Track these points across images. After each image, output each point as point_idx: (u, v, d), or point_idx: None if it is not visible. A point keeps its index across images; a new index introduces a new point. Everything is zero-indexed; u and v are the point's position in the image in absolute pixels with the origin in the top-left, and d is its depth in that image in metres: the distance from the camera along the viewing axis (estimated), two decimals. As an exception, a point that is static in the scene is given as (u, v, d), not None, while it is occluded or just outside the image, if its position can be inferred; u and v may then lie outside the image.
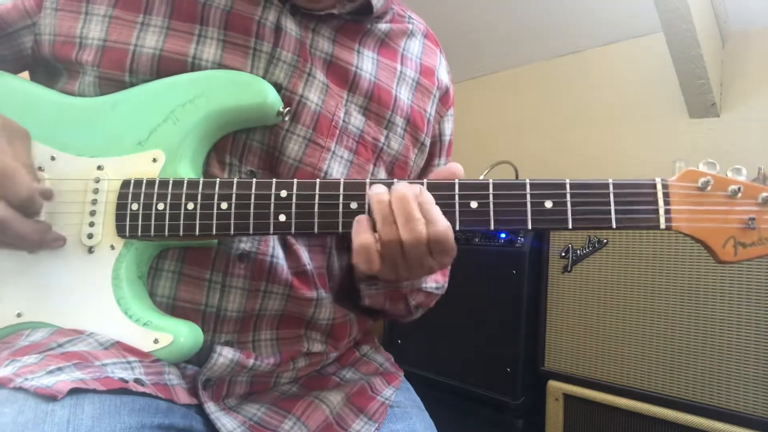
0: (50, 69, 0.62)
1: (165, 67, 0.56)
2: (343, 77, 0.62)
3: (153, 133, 0.55)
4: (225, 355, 0.54)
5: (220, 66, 0.56)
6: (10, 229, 0.49)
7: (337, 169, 0.60)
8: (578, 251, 1.21)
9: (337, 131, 0.60)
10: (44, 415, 0.39)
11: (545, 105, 2.04)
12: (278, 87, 0.57)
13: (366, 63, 0.64)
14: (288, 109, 0.56)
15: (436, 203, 0.50)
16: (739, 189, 0.49)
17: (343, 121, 0.61)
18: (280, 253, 0.59)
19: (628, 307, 1.13)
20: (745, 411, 0.96)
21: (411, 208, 0.48)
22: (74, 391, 0.41)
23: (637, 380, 1.10)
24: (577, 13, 1.83)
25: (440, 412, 0.72)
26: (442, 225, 0.48)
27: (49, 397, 0.40)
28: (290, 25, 0.59)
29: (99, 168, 0.55)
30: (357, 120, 0.62)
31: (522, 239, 1.34)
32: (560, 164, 1.91)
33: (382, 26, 0.68)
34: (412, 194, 0.49)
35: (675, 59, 1.52)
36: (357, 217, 0.50)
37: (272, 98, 0.55)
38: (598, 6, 1.78)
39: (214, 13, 0.57)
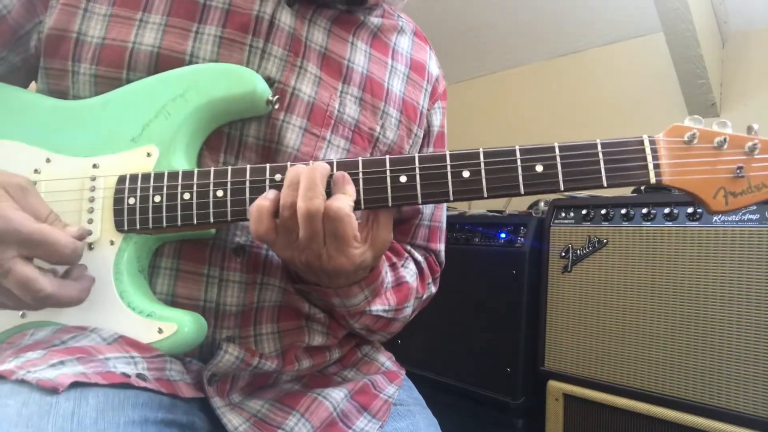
0: (42, 71, 0.61)
1: (162, 64, 0.56)
2: (337, 70, 0.64)
3: (146, 128, 0.55)
4: (231, 352, 0.54)
5: (218, 62, 0.57)
6: (53, 298, 0.46)
7: (333, 157, 0.61)
8: (578, 251, 1.21)
9: (332, 121, 0.62)
10: (49, 407, 0.39)
11: (545, 105, 2.04)
12: (271, 81, 0.58)
13: (359, 56, 0.66)
14: (277, 97, 0.57)
15: (431, 173, 0.50)
16: (724, 140, 0.49)
17: (338, 111, 0.62)
18: None
19: (628, 307, 1.13)
20: (745, 411, 0.96)
21: (316, 180, 0.48)
22: (77, 385, 0.41)
23: (637, 380, 1.10)
24: (577, 13, 1.83)
25: (440, 412, 0.71)
26: (342, 204, 0.48)
27: (52, 389, 0.40)
28: (284, 19, 0.60)
29: (94, 166, 0.55)
30: (352, 110, 0.64)
31: (522, 239, 1.34)
32: (560, 164, 1.91)
33: (375, 20, 0.70)
34: (325, 170, 0.49)
35: (675, 59, 1.53)
36: (269, 190, 0.51)
37: (261, 87, 0.56)
38: (598, 6, 1.78)
39: (213, 12, 0.58)
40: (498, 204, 1.69)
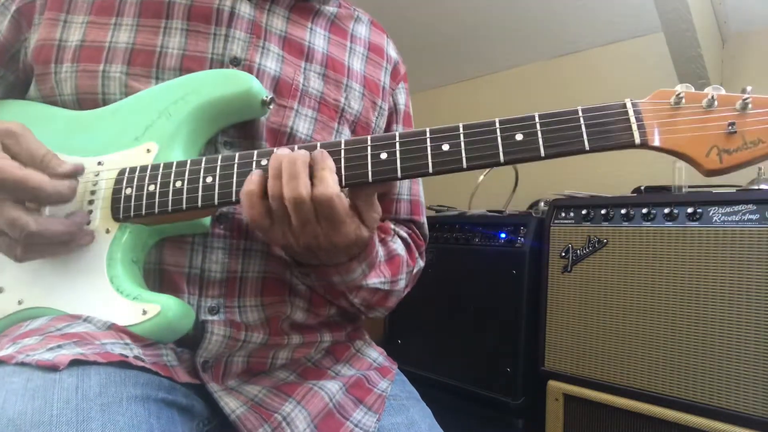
0: (28, 82, 0.65)
1: (137, 56, 0.61)
2: (298, 50, 0.68)
3: (148, 128, 0.59)
4: (217, 332, 0.56)
5: (185, 51, 0.62)
6: (38, 234, 0.50)
7: (303, 125, 0.65)
8: (578, 251, 1.21)
9: (299, 93, 0.66)
10: (53, 382, 0.40)
11: (545, 105, 2.04)
12: (237, 60, 0.62)
13: (318, 39, 0.71)
14: (272, 97, 0.60)
15: (411, 148, 0.51)
16: (713, 98, 0.46)
17: (303, 84, 0.66)
18: None
19: (628, 307, 1.13)
20: (745, 411, 0.96)
21: (298, 168, 0.50)
22: (78, 363, 0.42)
23: (637, 380, 1.10)
24: (577, 13, 1.83)
25: (440, 412, 0.72)
26: (329, 188, 0.49)
27: (52, 367, 0.41)
28: (244, 9, 0.65)
29: (99, 164, 0.60)
30: (317, 84, 0.68)
31: (522, 239, 1.34)
32: (560, 164, 1.92)
33: (331, 8, 0.74)
34: (305, 156, 0.51)
35: (675, 59, 1.52)
36: (252, 171, 0.52)
37: (256, 87, 0.59)
38: (598, 6, 1.78)
39: (177, 8, 0.63)
40: (498, 204, 1.69)
